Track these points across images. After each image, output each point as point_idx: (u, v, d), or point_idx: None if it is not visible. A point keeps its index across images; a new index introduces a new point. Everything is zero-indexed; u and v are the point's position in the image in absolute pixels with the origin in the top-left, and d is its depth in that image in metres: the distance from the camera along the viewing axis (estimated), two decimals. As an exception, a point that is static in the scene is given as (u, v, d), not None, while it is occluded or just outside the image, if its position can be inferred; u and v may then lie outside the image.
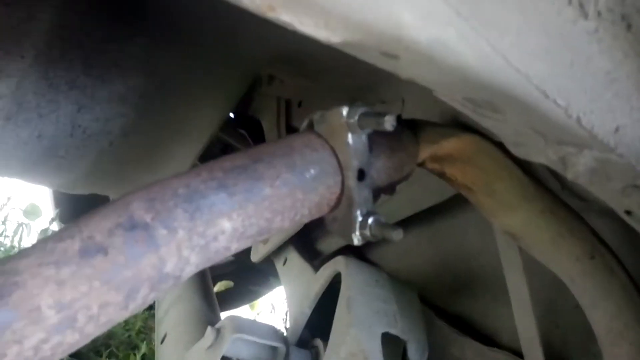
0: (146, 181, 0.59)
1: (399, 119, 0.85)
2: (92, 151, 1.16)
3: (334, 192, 0.70)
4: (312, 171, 0.66)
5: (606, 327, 0.87)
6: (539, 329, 1.12)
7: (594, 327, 0.89)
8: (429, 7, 0.43)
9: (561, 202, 0.91)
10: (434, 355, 1.20)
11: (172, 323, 1.54)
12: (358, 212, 0.71)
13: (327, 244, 1.90)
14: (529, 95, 0.54)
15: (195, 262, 0.56)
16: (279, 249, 1.87)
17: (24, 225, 4.02)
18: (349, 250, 1.80)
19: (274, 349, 1.19)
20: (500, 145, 0.87)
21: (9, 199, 4.13)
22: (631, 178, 0.58)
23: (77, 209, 2.37)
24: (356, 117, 0.68)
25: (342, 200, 0.71)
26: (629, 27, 0.51)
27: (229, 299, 2.96)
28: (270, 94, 1.99)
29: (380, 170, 0.77)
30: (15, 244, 3.96)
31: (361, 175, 0.71)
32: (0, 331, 0.44)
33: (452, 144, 0.87)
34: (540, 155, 0.66)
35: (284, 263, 1.86)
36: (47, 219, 3.72)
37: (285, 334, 1.27)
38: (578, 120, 0.54)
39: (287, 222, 0.65)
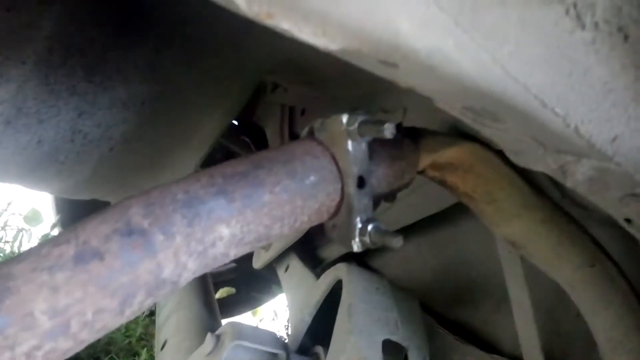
0: (147, 187, 0.59)
1: (399, 127, 0.86)
2: (93, 157, 1.16)
3: (333, 199, 0.70)
4: (312, 178, 0.67)
5: (607, 335, 0.87)
6: (540, 337, 1.12)
7: (594, 335, 0.89)
8: (427, 16, 0.44)
9: (562, 210, 0.91)
10: (435, 362, 1.20)
11: (172, 329, 1.54)
12: (358, 219, 0.71)
13: (329, 252, 1.90)
14: (527, 105, 0.54)
15: (192, 268, 0.56)
16: (281, 256, 1.88)
17: (24, 231, 4.01)
18: (350, 257, 1.80)
19: (274, 355, 1.18)
20: (500, 154, 0.87)
21: (9, 204, 4.12)
22: (629, 187, 0.58)
23: (78, 215, 2.37)
24: (356, 125, 0.68)
25: (342, 208, 0.71)
26: (626, 38, 0.52)
27: (230, 306, 2.96)
28: (274, 101, 2.00)
29: (381, 177, 0.77)
30: (16, 250, 3.96)
31: (361, 182, 0.71)
32: None
33: (452, 153, 0.87)
34: (539, 163, 0.66)
35: (286, 270, 1.86)
36: (48, 225, 3.72)
37: (286, 340, 1.27)
38: (576, 129, 0.54)
39: (287, 228, 0.65)
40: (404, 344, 1.13)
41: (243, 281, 2.93)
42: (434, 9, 0.43)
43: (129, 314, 0.52)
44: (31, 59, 0.98)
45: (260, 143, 2.21)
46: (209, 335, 1.13)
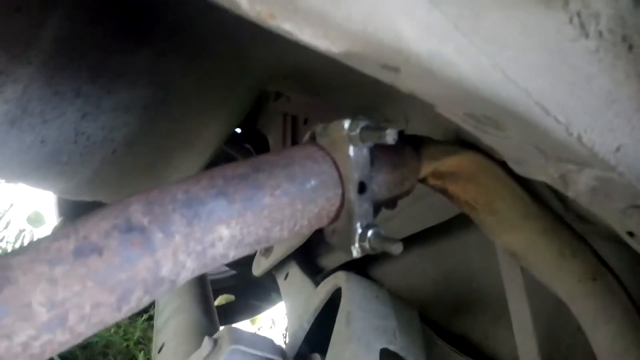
0: (151, 189, 0.59)
1: (401, 134, 0.85)
2: (95, 158, 1.16)
3: (334, 204, 0.70)
4: (312, 182, 0.67)
5: (607, 350, 0.86)
6: (540, 351, 1.11)
7: (594, 350, 0.88)
8: (428, 20, 0.44)
9: (563, 222, 0.91)
10: (433, 374, 1.19)
11: (170, 333, 1.54)
12: (358, 225, 0.71)
13: (329, 260, 1.89)
14: (529, 112, 0.54)
15: (191, 268, 0.56)
16: (281, 264, 1.87)
17: (25, 232, 4.02)
18: (351, 266, 1.79)
19: (271, 361, 1.18)
20: (502, 164, 0.87)
21: (11, 205, 4.13)
22: (632, 198, 0.58)
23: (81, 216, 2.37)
24: (358, 130, 0.68)
25: (342, 213, 0.71)
26: (630, 48, 0.51)
27: (229, 313, 2.95)
28: (277, 110, 2.00)
29: (381, 184, 0.77)
30: (17, 250, 3.93)
31: (362, 188, 0.71)
32: None
33: (454, 161, 0.87)
34: (541, 173, 0.66)
35: (285, 278, 1.86)
36: (50, 227, 3.73)
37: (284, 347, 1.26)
38: (579, 137, 0.54)
39: (286, 232, 0.65)
40: (402, 353, 1.12)
41: (242, 288, 2.93)
42: (434, 12, 0.43)
43: (126, 311, 0.53)
44: (37, 60, 0.98)
45: (262, 151, 2.21)
46: (206, 338, 1.13)
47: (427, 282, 1.60)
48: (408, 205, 1.36)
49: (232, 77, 1.30)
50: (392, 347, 1.10)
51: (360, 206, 0.71)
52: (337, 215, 0.71)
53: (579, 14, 0.50)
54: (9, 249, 3.94)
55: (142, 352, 3.13)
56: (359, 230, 0.70)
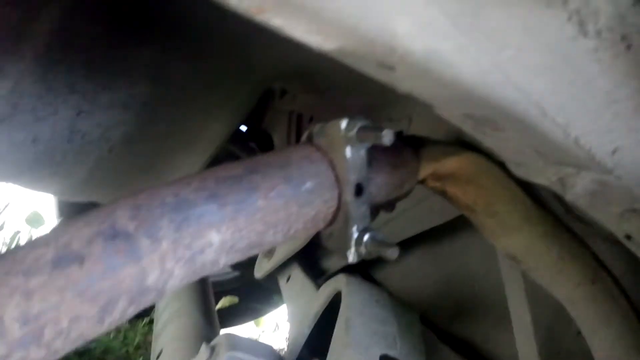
0: (147, 189, 0.57)
1: (400, 135, 0.85)
2: (91, 157, 1.13)
3: (330, 207, 0.69)
4: (308, 184, 0.65)
5: (606, 354, 0.86)
6: (540, 355, 1.10)
7: (594, 354, 0.87)
8: (425, 16, 0.43)
9: (563, 225, 0.90)
10: (434, 378, 1.18)
11: (168, 338, 1.52)
12: (354, 228, 0.70)
13: (332, 262, 1.88)
14: (528, 113, 0.53)
15: (179, 275, 0.54)
16: (283, 266, 1.86)
17: (20, 234, 3.97)
18: (353, 269, 1.78)
19: (269, 367, 1.17)
20: (503, 166, 0.86)
21: (6, 205, 4.07)
22: (630, 202, 0.57)
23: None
24: (354, 131, 0.67)
25: (339, 216, 0.70)
26: (629, 47, 0.50)
27: (233, 315, 2.94)
28: (282, 108, 1.99)
29: (380, 186, 0.76)
30: (12, 252, 3.89)
31: (359, 190, 0.70)
32: None
33: (454, 163, 0.86)
34: (540, 175, 0.65)
35: (287, 280, 1.84)
36: (50, 227, 3.69)
37: (283, 353, 1.25)
38: (576, 140, 0.53)
39: (280, 236, 0.63)
40: (402, 359, 1.11)
41: (246, 291, 2.91)
42: (432, 9, 0.42)
43: (110, 323, 0.50)
44: (29, 55, 0.95)
45: (267, 150, 2.20)
46: (203, 345, 1.12)
47: (428, 285, 1.59)
48: (409, 207, 1.35)
49: (235, 76, 1.28)
50: (391, 353, 1.09)
51: (357, 209, 0.69)
52: (333, 218, 0.70)
53: (578, 12, 0.49)
54: (4, 250, 3.90)
55: (142, 357, 3.10)
56: (356, 235, 0.69)
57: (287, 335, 3.25)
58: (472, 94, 0.52)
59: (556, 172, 0.60)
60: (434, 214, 1.34)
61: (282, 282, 1.89)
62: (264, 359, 1.14)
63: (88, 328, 0.48)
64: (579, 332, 0.90)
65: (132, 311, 0.52)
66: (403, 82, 0.54)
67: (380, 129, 0.65)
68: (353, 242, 0.70)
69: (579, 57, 0.51)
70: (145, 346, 3.18)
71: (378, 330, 1.12)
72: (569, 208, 0.94)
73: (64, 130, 1.06)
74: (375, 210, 0.79)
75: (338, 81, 1.34)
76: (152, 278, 0.52)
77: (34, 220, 4.04)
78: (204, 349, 1.12)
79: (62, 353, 0.47)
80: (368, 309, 1.17)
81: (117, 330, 3.17)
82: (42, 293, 0.45)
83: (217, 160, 1.51)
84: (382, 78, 0.54)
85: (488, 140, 0.66)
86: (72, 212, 2.43)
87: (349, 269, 1.76)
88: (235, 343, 1.12)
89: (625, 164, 0.53)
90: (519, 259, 0.91)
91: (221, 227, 0.56)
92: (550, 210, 0.92)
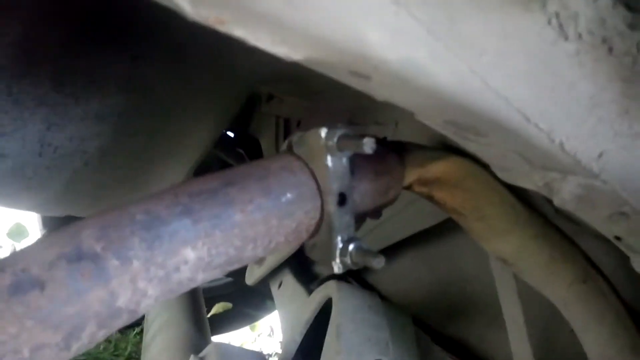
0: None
1: (384, 141, 0.83)
2: (65, 171, 1.10)
3: (313, 218, 0.67)
4: (288, 195, 0.64)
5: (599, 353, 0.86)
6: (534, 354, 1.09)
7: (586, 352, 0.88)
8: (396, 24, 0.41)
9: (553, 226, 0.89)
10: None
11: (158, 349, 1.50)
12: (339, 239, 0.68)
13: (324, 267, 1.86)
14: (510, 119, 0.52)
15: (154, 295, 0.52)
16: (275, 272, 1.85)
17: (1, 248, 3.87)
18: (346, 273, 1.76)
19: (260, 376, 1.15)
20: (490, 169, 0.85)
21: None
22: (617, 205, 0.55)
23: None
24: (335, 139, 0.65)
25: (322, 227, 0.68)
26: (610, 50, 0.49)
27: (226, 321, 2.92)
28: (269, 113, 1.97)
29: (364, 194, 0.74)
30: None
31: (342, 199, 0.68)
32: None
33: (440, 167, 0.84)
34: (526, 180, 0.63)
35: (279, 286, 1.83)
36: (34, 239, 3.61)
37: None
38: (561, 145, 0.51)
39: (261, 250, 0.61)
40: (395, 364, 1.09)
41: (239, 296, 2.89)
42: (403, 16, 0.40)
43: (78, 348, 0.48)
44: None
45: (255, 155, 2.19)
46: (192, 357, 1.10)
47: (421, 287, 1.58)
48: (400, 210, 1.33)
49: (217, 82, 1.25)
50: (384, 358, 1.08)
51: (341, 219, 0.68)
52: (316, 230, 0.68)
53: (557, 15, 0.48)
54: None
55: (133, 368, 3.06)
56: (340, 245, 0.67)
57: (281, 340, 3.24)
58: (451, 102, 0.50)
59: (542, 177, 0.58)
60: (425, 216, 1.33)
61: (274, 288, 1.88)
62: (254, 368, 1.13)
63: (53, 356, 0.46)
64: (572, 331, 0.90)
65: (103, 334, 0.50)
66: (379, 91, 0.52)
67: (361, 137, 0.63)
68: (338, 253, 0.68)
69: (560, 62, 0.49)
70: (137, 356, 3.12)
71: (370, 336, 1.11)
72: (558, 208, 0.93)
73: (34, 145, 1.02)
74: (360, 218, 0.77)
75: (324, 85, 1.32)
76: (123, 300, 0.50)
77: (17, 233, 3.93)
78: (193, 360, 1.11)
79: None
80: (360, 314, 1.15)
81: (108, 340, 3.11)
82: (0, 322, 0.43)
83: (205, 166, 1.49)
84: (358, 86, 0.52)
85: (471, 146, 0.64)
86: (56, 224, 2.39)
87: (340, 274, 1.74)
88: (224, 353, 1.11)
89: (611, 168, 0.52)
90: (510, 262, 0.90)
91: (196, 244, 0.54)
92: (539, 211, 0.91)
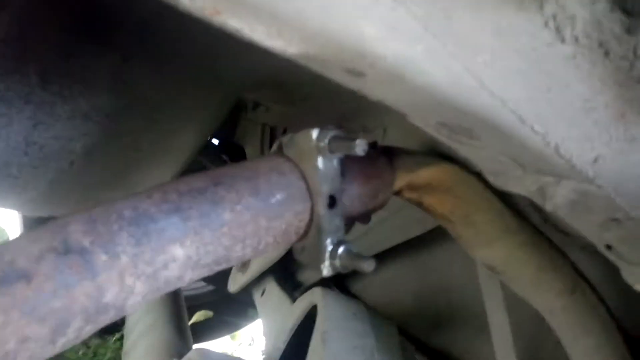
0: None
1: (374, 145, 0.82)
2: (50, 171, 1.08)
3: (302, 219, 0.66)
4: (278, 196, 0.63)
5: None
6: (520, 364, 1.09)
7: None
8: (393, 19, 0.40)
9: (542, 235, 0.89)
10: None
11: (139, 355, 1.48)
12: (328, 241, 0.67)
13: (308, 275, 1.85)
14: (504, 121, 0.51)
15: (141, 292, 0.51)
16: (258, 279, 1.83)
17: None
18: (329, 281, 1.75)
19: (244, 383, 1.14)
20: (479, 176, 0.84)
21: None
22: (611, 211, 0.55)
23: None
24: (326, 141, 0.65)
25: (311, 229, 0.67)
26: (606, 54, 0.49)
27: (207, 330, 2.89)
28: (255, 120, 1.97)
29: (354, 197, 0.73)
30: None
31: (332, 202, 0.67)
32: None
33: (430, 173, 0.84)
34: (518, 185, 0.63)
35: (262, 294, 1.81)
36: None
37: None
38: (556, 148, 0.51)
39: (249, 250, 0.60)
40: (380, 372, 1.08)
41: (221, 305, 2.87)
42: (399, 10, 0.40)
43: (64, 343, 0.47)
44: None
45: (240, 162, 2.17)
46: (174, 362, 1.08)
47: (406, 296, 1.57)
48: (389, 217, 1.33)
49: (204, 85, 1.24)
50: (369, 366, 1.07)
51: (331, 221, 0.67)
52: (306, 232, 0.67)
53: (554, 17, 0.48)
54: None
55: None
56: (329, 248, 0.67)
57: (263, 349, 3.22)
58: (445, 102, 0.50)
59: (535, 182, 0.58)
60: (412, 225, 1.33)
61: (256, 296, 1.86)
62: (237, 375, 1.11)
63: (38, 349, 0.45)
64: (559, 341, 0.90)
65: (89, 330, 0.49)
66: (374, 90, 0.51)
67: (353, 139, 0.63)
68: (327, 256, 0.67)
69: (555, 63, 0.49)
70: (117, 361, 3.08)
71: (356, 344, 1.10)
72: (546, 217, 0.93)
73: (20, 143, 1.01)
74: (349, 222, 0.76)
75: (311, 92, 1.31)
76: (110, 295, 0.49)
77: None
78: (175, 367, 1.09)
79: None
80: (345, 322, 1.14)
81: (87, 346, 3.06)
82: None
83: (191, 172, 1.47)
84: (352, 85, 0.51)
85: (464, 150, 0.64)
86: (38, 224, 2.35)
87: (324, 282, 1.73)
88: (207, 358, 1.09)
89: (607, 173, 0.51)
90: (498, 270, 0.89)
91: (185, 242, 0.54)
92: (527, 219, 0.91)
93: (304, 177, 0.66)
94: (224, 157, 2.24)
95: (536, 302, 0.89)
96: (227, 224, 0.57)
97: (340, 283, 1.81)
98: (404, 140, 1.06)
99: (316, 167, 0.66)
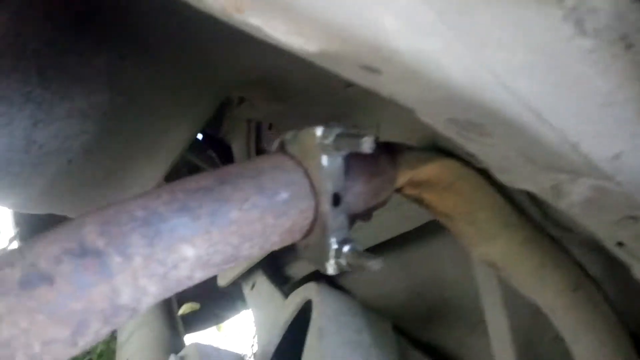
0: (109, 201, 0.53)
1: (376, 141, 0.81)
2: (50, 169, 1.07)
3: (306, 218, 0.64)
4: (283, 194, 0.61)
5: None
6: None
7: None
8: (412, 12, 0.39)
9: (544, 231, 0.88)
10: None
11: (133, 349, 1.47)
12: (333, 240, 0.66)
13: (297, 269, 1.84)
14: (519, 117, 0.50)
15: (153, 293, 0.50)
16: (247, 273, 1.82)
17: None
18: (319, 276, 1.74)
19: (239, 378, 1.13)
20: (481, 172, 0.83)
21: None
22: (629, 209, 0.54)
23: (38, 228, 2.25)
24: (331, 138, 0.63)
25: (316, 227, 0.66)
26: (629, 47, 0.47)
27: (194, 322, 2.87)
28: (240, 116, 1.94)
29: (357, 195, 0.72)
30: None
31: (336, 200, 0.65)
32: None
33: (431, 169, 0.82)
34: (528, 182, 0.61)
35: (252, 287, 1.81)
36: (5, 238, 3.51)
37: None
38: (574, 144, 0.50)
39: (257, 249, 0.59)
40: (377, 368, 1.08)
41: (208, 297, 2.85)
42: (421, 4, 0.38)
43: (83, 345, 0.46)
44: None
45: (226, 158, 2.15)
46: (172, 356, 1.07)
47: (399, 291, 1.56)
48: (380, 211, 1.31)
49: (197, 83, 1.22)
50: (367, 362, 1.06)
51: (335, 219, 0.65)
52: (310, 230, 0.66)
53: (575, 10, 0.46)
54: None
55: (104, 366, 3.01)
56: (334, 246, 0.65)
57: (253, 342, 3.20)
58: (460, 97, 0.48)
59: (550, 179, 0.56)
60: (405, 220, 1.32)
61: (246, 289, 1.85)
62: (234, 368, 1.10)
63: (61, 351, 0.45)
64: (556, 336, 0.89)
65: (106, 332, 0.49)
66: (388, 86, 0.50)
67: (360, 136, 0.61)
68: (332, 254, 0.66)
69: (575, 58, 0.47)
70: (109, 354, 3.07)
71: (353, 339, 1.09)
72: (546, 213, 0.92)
73: (21, 141, 0.99)
74: (352, 220, 0.75)
75: (302, 89, 1.29)
76: (125, 297, 0.48)
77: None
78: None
79: None
80: (341, 317, 1.13)
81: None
82: (11, 317, 0.42)
83: (177, 169, 1.45)
84: (366, 83, 0.50)
85: (472, 146, 0.62)
86: (29, 222, 2.32)
87: (314, 276, 1.72)
88: (204, 354, 1.09)
89: (627, 169, 0.50)
90: (499, 267, 0.88)
91: (195, 241, 0.53)
92: (528, 215, 0.90)
93: (308, 175, 0.65)
94: (211, 153, 2.21)
95: (537, 299, 0.88)
96: (235, 223, 0.56)
97: (329, 278, 1.80)
98: (398, 137, 1.05)
99: (320, 165, 0.64)
